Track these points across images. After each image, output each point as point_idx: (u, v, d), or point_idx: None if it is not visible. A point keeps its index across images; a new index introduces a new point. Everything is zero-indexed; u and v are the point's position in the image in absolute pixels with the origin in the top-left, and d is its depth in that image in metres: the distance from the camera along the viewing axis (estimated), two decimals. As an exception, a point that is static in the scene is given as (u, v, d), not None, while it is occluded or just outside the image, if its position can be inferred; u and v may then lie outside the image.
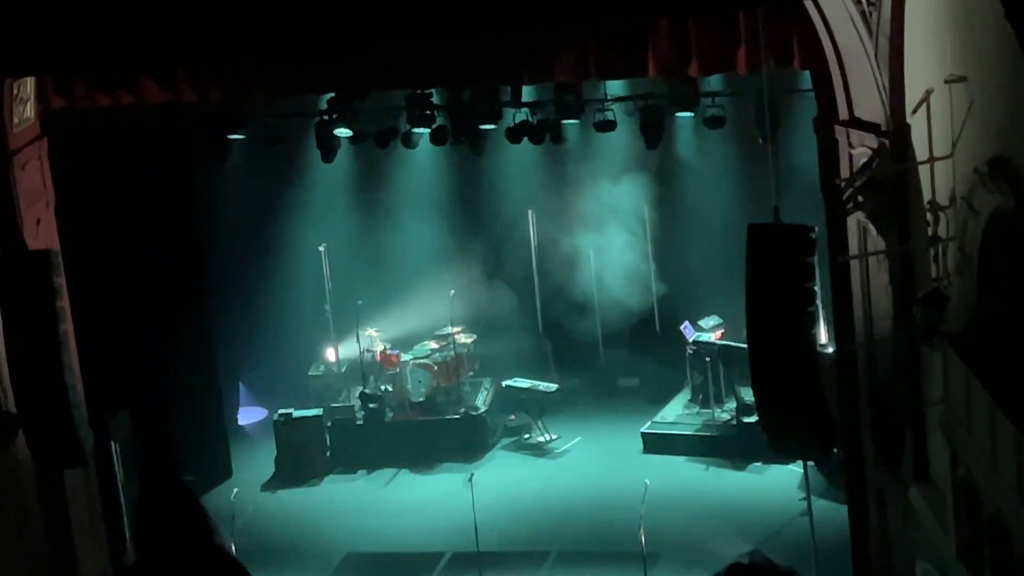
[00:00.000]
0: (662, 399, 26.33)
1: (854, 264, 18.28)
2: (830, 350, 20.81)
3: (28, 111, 19.57)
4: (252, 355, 27.33)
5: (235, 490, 22.41)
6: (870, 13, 16.94)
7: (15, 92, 19.15)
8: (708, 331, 25.66)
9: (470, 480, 21.69)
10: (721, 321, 25.68)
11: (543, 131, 23.84)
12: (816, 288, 17.37)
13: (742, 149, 25.25)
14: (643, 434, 25.11)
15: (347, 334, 26.42)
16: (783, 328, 16.93)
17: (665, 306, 26.90)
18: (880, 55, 17.10)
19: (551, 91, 23.55)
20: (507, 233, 27.50)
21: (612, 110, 23.75)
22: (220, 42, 14.51)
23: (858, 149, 17.83)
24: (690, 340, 25.65)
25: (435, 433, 25.37)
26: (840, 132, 18.13)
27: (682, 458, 24.51)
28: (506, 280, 27.42)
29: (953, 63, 15.30)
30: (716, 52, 19.03)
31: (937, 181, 16.26)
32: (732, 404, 24.83)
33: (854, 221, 18.14)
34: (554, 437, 25.72)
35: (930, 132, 16.09)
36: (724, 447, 24.42)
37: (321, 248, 26.52)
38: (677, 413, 25.64)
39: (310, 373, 26.96)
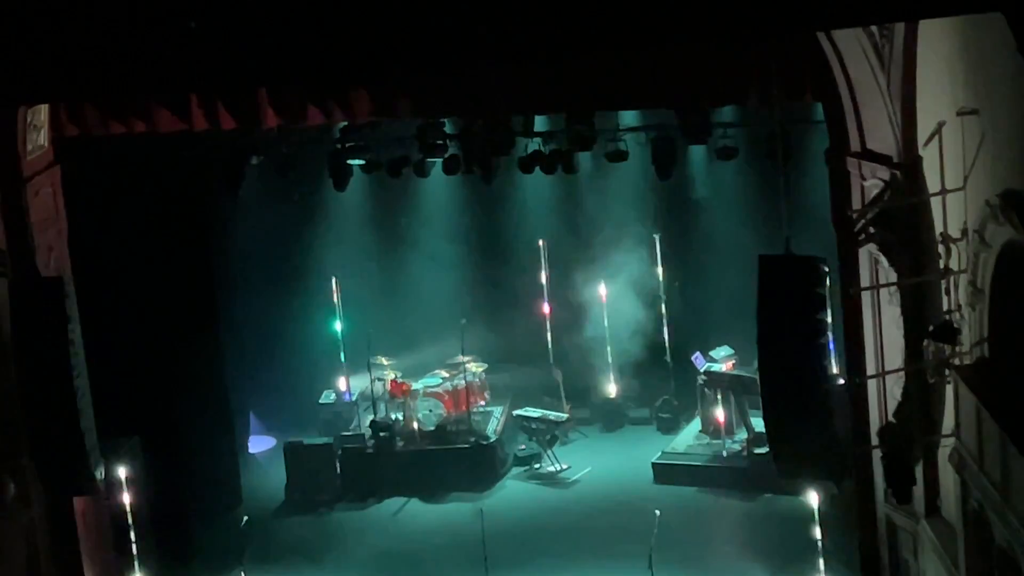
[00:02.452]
0: (673, 429, 26.30)
1: (865, 296, 18.28)
2: (841, 381, 20.76)
3: (41, 138, 19.64)
4: (263, 383, 27.33)
5: (245, 517, 22.39)
6: (883, 46, 16.98)
7: (29, 120, 19.22)
8: (719, 361, 25.62)
9: (480, 512, 21.66)
10: (732, 352, 25.64)
11: (555, 161, 23.84)
12: (827, 319, 17.34)
13: (754, 180, 25.26)
14: (654, 464, 25.06)
15: (358, 363, 26.40)
16: (794, 359, 16.91)
17: (676, 336, 26.88)
18: (892, 87, 17.14)
19: (563, 121, 23.58)
20: (518, 262, 27.51)
21: (624, 140, 23.75)
22: (233, 71, 14.54)
23: (870, 181, 17.85)
24: (701, 370, 25.62)
25: (446, 462, 25.32)
26: (852, 164, 18.16)
27: (693, 489, 24.46)
28: (517, 310, 27.42)
29: (965, 96, 15.32)
30: (728, 84, 19.07)
31: (949, 213, 16.28)
32: (743, 435, 24.80)
33: (865, 253, 18.15)
34: (564, 467, 25.69)
35: (942, 164, 16.12)
36: (735, 478, 24.36)
37: (332, 278, 26.57)
38: (688, 443, 25.59)
39: (321, 401, 26.96)
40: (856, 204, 18.13)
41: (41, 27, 14.18)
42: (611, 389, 27.28)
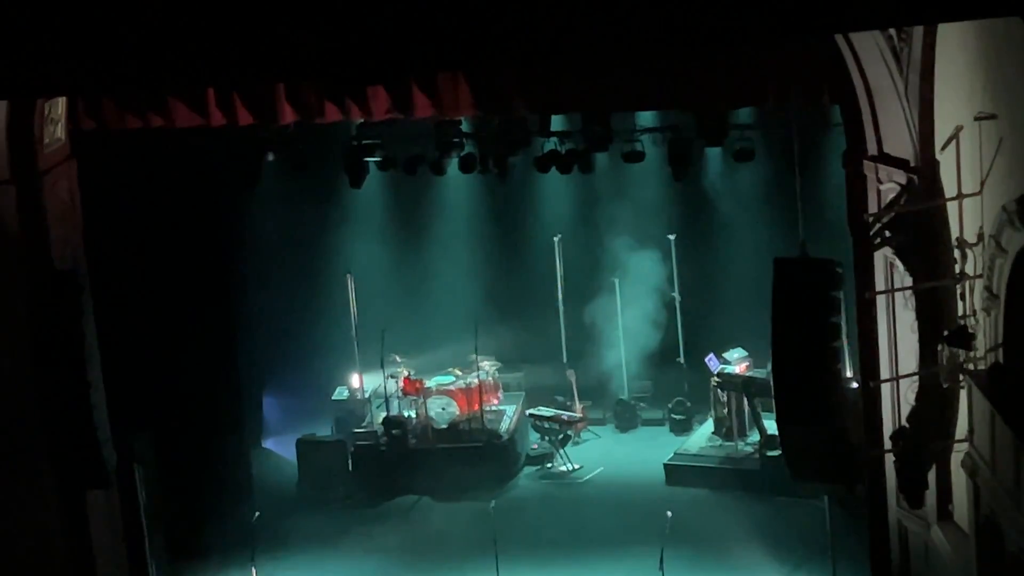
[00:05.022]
0: (686, 431, 26.29)
1: (880, 299, 18.25)
2: (854, 385, 20.75)
3: (59, 132, 19.66)
4: (276, 379, 27.37)
5: (256, 513, 22.41)
6: (901, 49, 16.95)
7: (46, 113, 19.25)
8: (733, 363, 25.60)
9: (491, 510, 21.66)
10: (746, 354, 25.62)
11: (572, 161, 23.83)
12: (841, 323, 17.34)
13: (770, 182, 25.22)
14: (666, 465, 25.05)
15: (372, 360, 26.41)
16: (808, 362, 16.89)
17: (690, 337, 26.87)
18: (910, 91, 17.11)
19: (580, 121, 23.57)
20: (533, 261, 27.51)
21: (641, 141, 23.75)
22: (251, 67, 14.56)
23: (886, 184, 17.82)
24: (715, 372, 25.60)
25: (458, 461, 25.31)
26: (868, 167, 18.13)
27: (705, 490, 24.44)
28: (531, 308, 27.42)
29: (983, 101, 15.29)
30: (746, 86, 19.05)
31: (965, 218, 16.25)
32: (755, 437, 24.77)
33: (881, 256, 18.12)
34: (576, 467, 25.69)
35: (959, 169, 16.08)
36: (747, 480, 24.33)
37: (347, 275, 26.60)
38: (700, 445, 25.57)
39: (334, 398, 26.96)
40: (872, 208, 18.10)
41: (58, 20, 14.20)
42: (624, 389, 27.27)
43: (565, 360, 27.26)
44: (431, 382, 26.19)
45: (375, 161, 24.65)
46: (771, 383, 17.99)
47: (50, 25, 14.18)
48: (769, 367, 18.33)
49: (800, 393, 17.13)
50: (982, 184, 15.70)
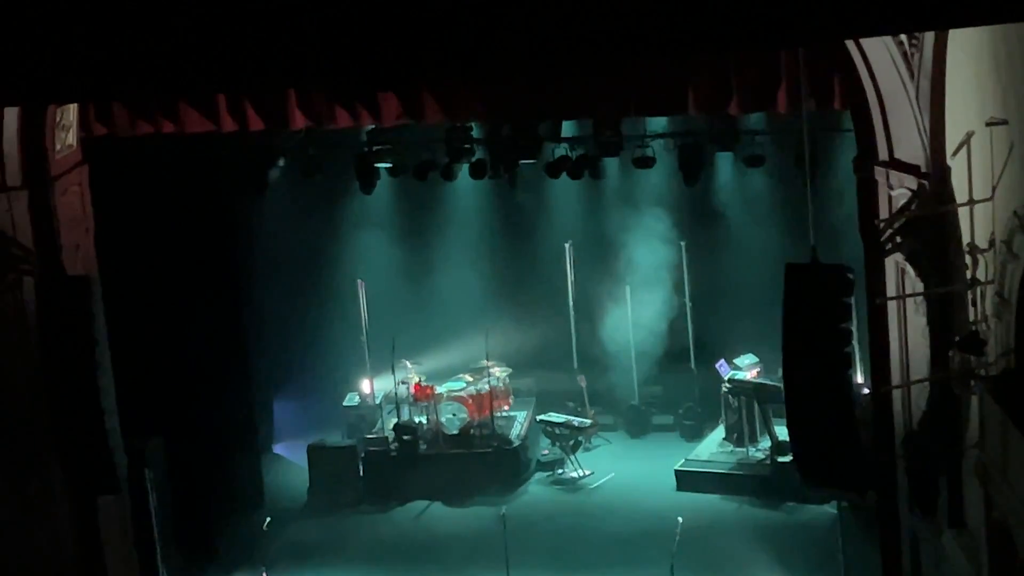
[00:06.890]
0: (696, 437, 26.27)
1: (891, 305, 18.21)
2: (865, 391, 20.72)
3: (70, 138, 19.68)
4: (287, 384, 27.39)
5: (267, 519, 22.43)
6: (912, 55, 16.92)
7: (57, 119, 19.26)
8: (744, 369, 25.59)
9: (502, 516, 21.66)
10: (757, 360, 25.60)
11: (582, 166, 23.85)
12: (853, 329, 17.29)
13: (781, 188, 25.22)
14: (677, 471, 25.05)
15: (383, 366, 26.43)
16: (819, 368, 16.85)
17: (701, 344, 26.86)
18: (921, 96, 17.07)
19: (590, 126, 23.58)
20: (544, 267, 27.52)
21: (651, 146, 23.77)
22: (262, 73, 14.57)
23: (897, 190, 17.79)
24: (725, 378, 25.58)
25: (469, 466, 25.34)
26: (880, 173, 18.10)
27: (716, 496, 24.43)
28: (542, 314, 27.42)
29: (994, 106, 15.25)
30: (756, 91, 19.04)
31: (976, 224, 16.20)
32: (767, 443, 24.76)
33: (892, 262, 18.09)
34: (587, 473, 25.68)
35: (970, 174, 16.04)
36: (758, 486, 24.33)
37: (358, 280, 26.61)
38: (711, 451, 25.57)
39: (345, 404, 26.99)
40: (883, 213, 18.07)
41: (68, 26, 14.22)
42: (635, 395, 27.26)
43: (576, 366, 27.27)
44: (442, 388, 26.20)
45: (386, 167, 24.68)
46: (782, 389, 17.96)
47: (60, 31, 14.19)
48: (780, 373, 18.30)
49: (811, 399, 17.09)
50: (993, 189, 15.67)
